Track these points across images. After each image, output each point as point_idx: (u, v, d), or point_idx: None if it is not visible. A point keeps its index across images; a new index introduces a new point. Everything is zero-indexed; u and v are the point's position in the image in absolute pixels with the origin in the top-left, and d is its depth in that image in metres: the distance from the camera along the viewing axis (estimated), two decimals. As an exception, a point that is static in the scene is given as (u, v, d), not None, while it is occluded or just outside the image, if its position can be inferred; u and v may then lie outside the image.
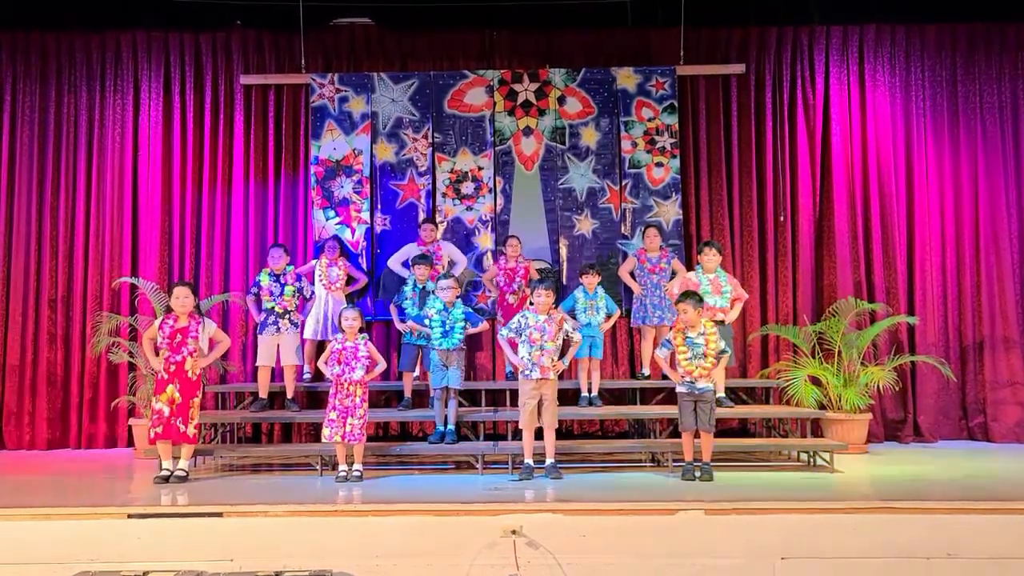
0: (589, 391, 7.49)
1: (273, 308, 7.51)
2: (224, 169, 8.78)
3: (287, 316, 7.52)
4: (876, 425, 8.22)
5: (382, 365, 6.53)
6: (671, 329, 6.53)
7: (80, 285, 8.60)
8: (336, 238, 8.38)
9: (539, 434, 6.33)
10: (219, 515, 5.07)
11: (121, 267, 8.58)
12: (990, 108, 8.74)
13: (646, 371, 8.00)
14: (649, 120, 8.69)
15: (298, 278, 7.69)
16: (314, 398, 8.19)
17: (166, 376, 6.28)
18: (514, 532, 4.88)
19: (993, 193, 8.64)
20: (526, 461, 6.27)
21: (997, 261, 8.56)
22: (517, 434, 7.09)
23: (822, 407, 7.71)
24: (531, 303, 6.47)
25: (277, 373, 7.67)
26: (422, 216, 8.55)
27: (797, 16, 8.76)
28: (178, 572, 4.63)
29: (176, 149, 8.76)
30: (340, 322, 6.45)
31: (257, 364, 7.67)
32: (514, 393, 7.49)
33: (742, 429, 8.26)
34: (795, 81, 8.82)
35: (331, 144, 8.70)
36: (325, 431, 6.29)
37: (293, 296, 7.56)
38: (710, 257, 7.39)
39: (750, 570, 4.85)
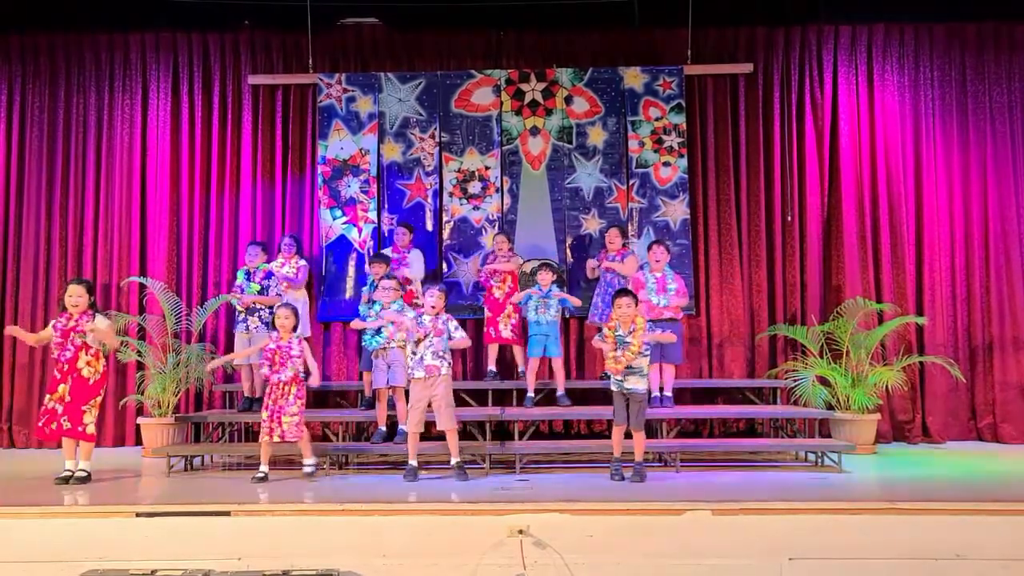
0: (540, 391, 7.47)
1: (238, 305, 7.59)
2: (232, 169, 8.81)
3: (256, 314, 7.51)
4: (884, 425, 8.20)
5: (315, 375, 6.44)
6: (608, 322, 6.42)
7: (89, 285, 8.63)
8: (292, 236, 8.31)
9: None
10: (227, 514, 5.08)
11: (129, 266, 8.62)
12: (999, 108, 8.71)
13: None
14: (656, 119, 8.68)
15: (267, 275, 7.70)
16: (321, 397, 8.23)
17: (59, 376, 6.20)
18: (521, 532, 4.88)
19: (1002, 193, 8.61)
20: (410, 462, 6.25)
21: (1006, 261, 8.53)
22: (523, 434, 7.13)
23: (830, 407, 7.69)
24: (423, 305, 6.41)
25: None
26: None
27: (805, 15, 8.73)
28: (186, 571, 4.65)
29: (184, 149, 8.78)
30: (273, 320, 6.42)
31: (238, 362, 7.62)
32: (520, 393, 7.55)
33: (750, 429, 8.26)
34: (803, 80, 8.79)
35: (338, 144, 8.72)
36: (264, 433, 6.29)
37: (258, 294, 7.55)
38: (659, 255, 7.44)
39: (758, 570, 4.83)
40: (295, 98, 8.87)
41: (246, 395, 7.58)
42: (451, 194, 8.69)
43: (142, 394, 7.98)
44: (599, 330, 7.93)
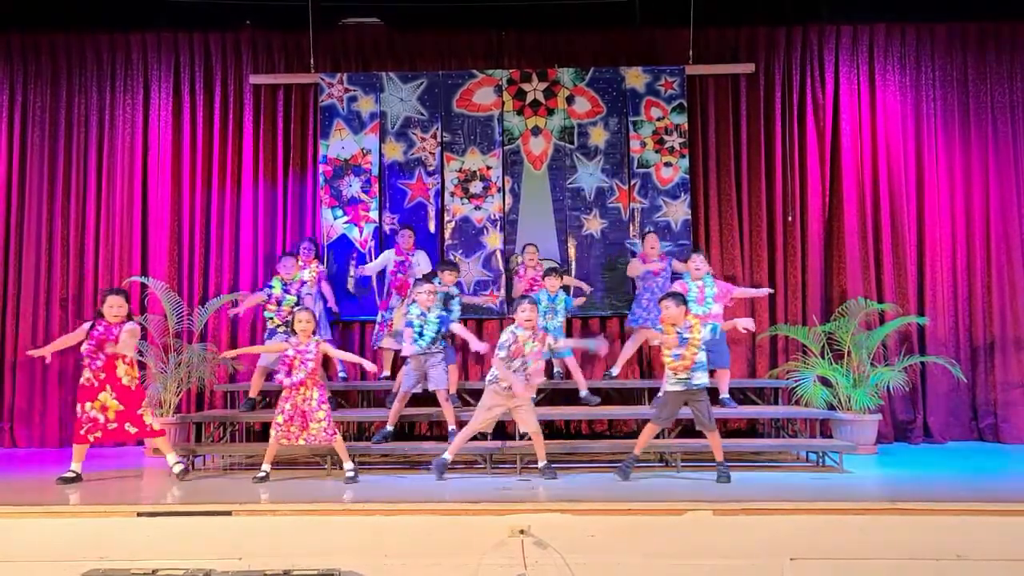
0: (542, 391, 7.47)
1: (274, 318, 7.55)
2: (233, 168, 8.81)
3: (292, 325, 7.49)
4: (885, 426, 8.20)
5: (358, 361, 6.53)
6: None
7: (90, 284, 8.64)
8: (311, 240, 8.32)
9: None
10: (228, 514, 5.09)
11: (131, 266, 8.63)
12: (1001, 107, 8.70)
13: (615, 371, 8.02)
14: (658, 120, 8.68)
15: (302, 286, 7.69)
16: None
17: (96, 383, 6.26)
18: (522, 532, 4.89)
19: (1004, 193, 8.60)
20: (445, 456, 6.27)
21: (1008, 261, 8.53)
22: (523, 434, 7.12)
23: (831, 407, 7.68)
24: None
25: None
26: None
27: (806, 15, 8.73)
28: (187, 570, 4.66)
29: (186, 149, 8.79)
30: (294, 324, 6.35)
31: (260, 364, 7.66)
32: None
33: (751, 429, 8.26)
34: (804, 81, 8.79)
35: (340, 143, 8.72)
36: (272, 432, 6.25)
37: (293, 307, 7.52)
38: (698, 264, 7.43)
39: (759, 570, 4.83)
40: (296, 98, 8.88)
41: (250, 396, 7.57)
42: (452, 194, 8.69)
43: (143, 394, 7.99)
44: (631, 333, 8.00)
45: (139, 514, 5.10)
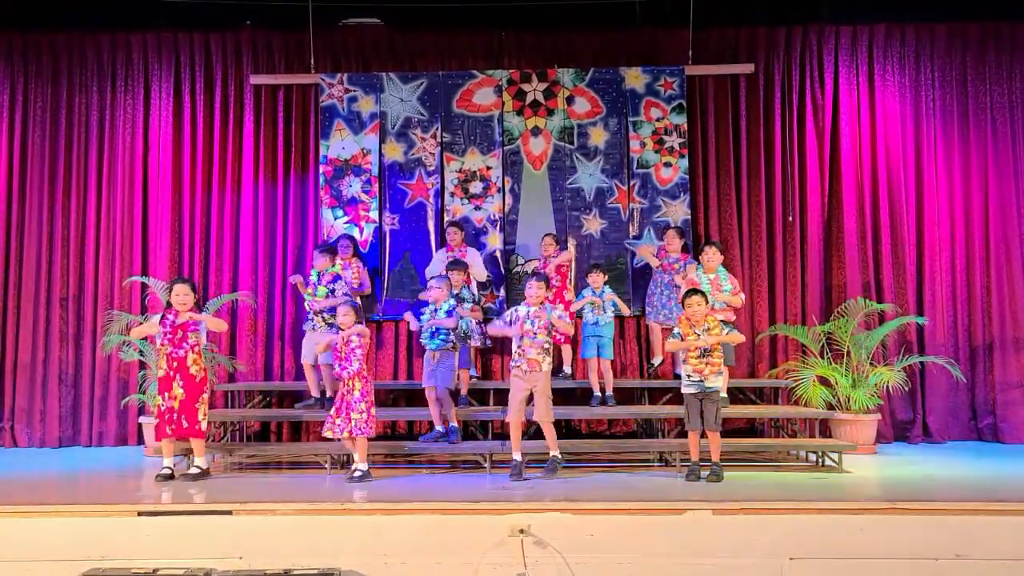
0: (602, 391, 7.47)
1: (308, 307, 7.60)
2: (233, 169, 8.81)
3: (321, 315, 7.49)
4: (885, 425, 8.21)
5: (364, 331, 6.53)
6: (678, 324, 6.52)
7: (91, 284, 8.64)
8: (348, 237, 8.36)
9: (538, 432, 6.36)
10: (228, 513, 5.09)
11: (131, 266, 8.62)
12: (1000, 108, 8.71)
13: (657, 360, 7.99)
14: (658, 120, 8.68)
15: (334, 279, 7.67)
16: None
17: (170, 374, 6.30)
18: (522, 531, 4.89)
19: (1003, 193, 8.61)
20: (513, 457, 6.26)
21: (1007, 261, 8.54)
22: (524, 434, 7.13)
23: (831, 407, 7.69)
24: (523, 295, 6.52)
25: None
26: (445, 219, 8.56)
27: (806, 16, 8.73)
28: (187, 570, 4.67)
29: (186, 149, 8.79)
30: (337, 316, 6.35)
31: (304, 360, 7.70)
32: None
33: (750, 429, 8.26)
34: (804, 81, 8.79)
35: (340, 144, 8.72)
36: (326, 428, 6.27)
37: (325, 297, 7.52)
38: (711, 256, 7.43)
39: (758, 570, 4.85)
40: (297, 98, 8.88)
41: (315, 395, 7.61)
42: (452, 194, 8.69)
43: (144, 393, 8.00)
44: (670, 331, 7.99)
45: (140, 514, 5.11)
